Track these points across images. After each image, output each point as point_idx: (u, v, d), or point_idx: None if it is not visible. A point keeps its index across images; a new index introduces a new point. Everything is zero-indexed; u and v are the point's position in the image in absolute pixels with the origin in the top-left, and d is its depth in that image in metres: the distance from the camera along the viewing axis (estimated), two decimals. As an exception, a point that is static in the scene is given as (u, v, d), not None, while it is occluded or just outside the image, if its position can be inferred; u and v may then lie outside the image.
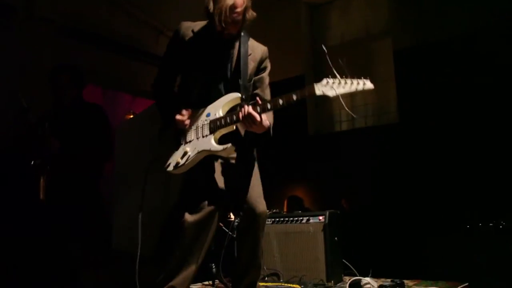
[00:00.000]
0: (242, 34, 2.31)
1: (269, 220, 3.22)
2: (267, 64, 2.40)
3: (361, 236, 4.06)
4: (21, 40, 3.98)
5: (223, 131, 2.20)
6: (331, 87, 2.06)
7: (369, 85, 2.03)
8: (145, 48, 5.13)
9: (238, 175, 2.29)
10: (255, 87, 2.35)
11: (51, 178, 3.20)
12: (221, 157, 2.30)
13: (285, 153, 5.03)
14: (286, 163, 5.10)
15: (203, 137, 2.22)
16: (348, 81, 2.06)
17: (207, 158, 2.25)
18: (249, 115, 2.07)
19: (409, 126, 4.54)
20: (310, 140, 5.28)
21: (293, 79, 5.25)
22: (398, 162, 4.51)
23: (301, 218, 3.16)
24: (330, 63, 2.05)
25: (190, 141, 2.26)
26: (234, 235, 2.86)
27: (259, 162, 2.42)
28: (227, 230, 2.98)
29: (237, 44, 2.31)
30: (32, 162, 3.19)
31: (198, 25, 2.37)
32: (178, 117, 2.25)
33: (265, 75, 2.41)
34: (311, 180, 5.06)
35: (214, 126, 2.20)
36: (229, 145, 2.14)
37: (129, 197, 5.23)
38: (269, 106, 2.08)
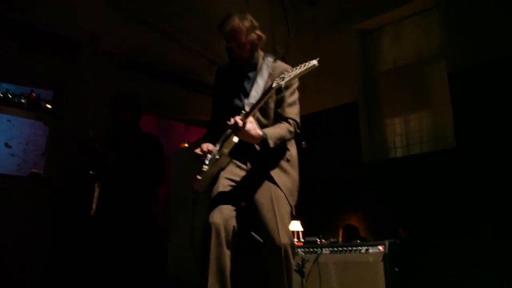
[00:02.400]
0: (267, 56, 2.51)
1: (327, 249, 3.19)
2: (288, 82, 2.38)
3: (421, 266, 3.92)
4: (86, 73, 4.23)
5: (227, 145, 2.32)
6: (282, 79, 2.14)
7: (313, 62, 2.06)
8: (199, 78, 5.29)
9: (256, 208, 2.36)
10: (277, 106, 2.44)
11: (105, 194, 3.36)
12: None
13: (339, 181, 4.98)
14: (340, 191, 5.04)
15: (214, 154, 2.40)
16: (297, 66, 2.11)
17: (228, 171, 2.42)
18: (234, 123, 2.20)
19: (467, 152, 4.38)
20: (365, 168, 5.20)
21: (346, 106, 5.23)
22: (455, 189, 4.35)
23: (360, 247, 3.11)
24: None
25: (209, 161, 2.42)
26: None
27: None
28: (258, 239, 2.93)
29: (258, 67, 2.49)
30: (90, 172, 3.40)
31: (226, 62, 2.61)
32: (196, 150, 2.48)
33: (287, 93, 2.44)
34: (366, 208, 4.96)
35: (222, 143, 2.37)
36: (223, 155, 2.32)
37: (184, 224, 5.33)
38: (249, 110, 2.24)
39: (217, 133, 2.48)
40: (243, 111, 2.26)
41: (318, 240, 3.69)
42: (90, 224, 3.37)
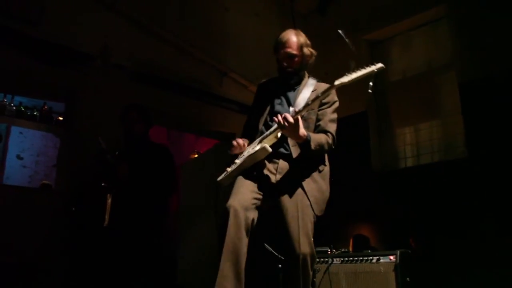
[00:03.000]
0: (309, 77, 2.68)
1: (337, 259, 3.18)
2: (331, 99, 2.60)
3: (433, 276, 3.88)
4: (97, 85, 4.29)
5: (267, 141, 2.41)
6: (346, 77, 2.25)
7: (379, 65, 2.25)
8: (210, 90, 5.33)
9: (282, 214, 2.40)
10: (318, 119, 2.56)
11: (118, 206, 3.38)
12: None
13: (349, 191, 4.96)
14: (350, 201, 5.01)
15: (252, 149, 2.45)
16: (362, 69, 2.26)
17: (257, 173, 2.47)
18: (284, 117, 2.28)
19: (479, 161, 4.35)
20: (375, 177, 5.17)
21: (356, 116, 5.23)
22: (467, 199, 4.31)
23: (371, 257, 3.09)
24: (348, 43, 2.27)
25: (242, 156, 2.49)
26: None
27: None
28: (276, 253, 2.93)
29: (303, 84, 2.65)
30: (102, 184, 3.42)
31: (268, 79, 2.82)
32: (233, 141, 2.56)
33: (329, 110, 2.59)
34: (377, 218, 4.93)
35: (262, 139, 2.47)
36: (264, 145, 2.35)
37: (193, 234, 5.33)
38: (302, 108, 2.35)
39: (253, 134, 2.62)
40: (294, 109, 2.34)
41: (329, 250, 3.67)
42: (103, 235, 3.39)
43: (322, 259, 3.44)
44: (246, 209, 2.31)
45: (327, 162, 2.61)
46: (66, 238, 3.80)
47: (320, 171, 2.54)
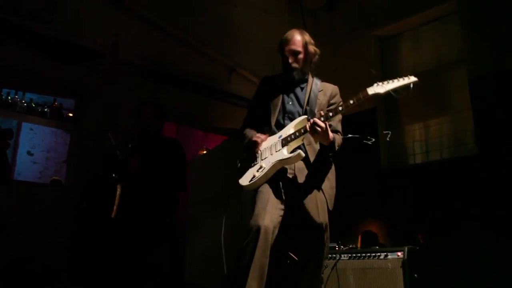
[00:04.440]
0: (314, 78, 2.76)
1: (345, 255, 3.19)
2: (338, 100, 2.74)
3: (441, 272, 3.87)
4: (107, 81, 4.32)
5: (293, 144, 2.49)
6: (381, 87, 2.35)
7: (413, 78, 2.30)
8: (218, 86, 5.33)
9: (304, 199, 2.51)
10: (330, 121, 2.57)
11: (127, 199, 3.40)
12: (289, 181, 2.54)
13: (358, 187, 4.95)
14: (359, 197, 5.01)
15: (276, 151, 2.51)
16: (395, 80, 2.34)
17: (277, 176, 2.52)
18: (314, 123, 2.38)
19: (488, 158, 4.32)
20: (384, 174, 5.16)
21: (365, 112, 5.21)
22: (476, 196, 4.29)
23: (379, 253, 3.09)
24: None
25: (265, 158, 2.55)
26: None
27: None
28: (294, 256, 2.96)
29: (309, 83, 2.74)
30: (113, 175, 3.45)
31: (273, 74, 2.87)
32: (256, 136, 2.62)
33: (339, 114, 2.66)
34: (385, 215, 4.91)
35: (285, 141, 2.52)
36: (298, 151, 2.43)
37: (202, 230, 5.36)
38: (331, 114, 2.43)
39: (260, 130, 2.70)
40: (320, 114, 2.43)
41: (337, 246, 3.67)
42: (110, 227, 3.41)
43: (330, 255, 3.45)
44: (275, 227, 2.40)
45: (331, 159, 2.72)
46: (76, 234, 3.83)
47: (330, 169, 2.67)
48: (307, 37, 2.71)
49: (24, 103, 4.83)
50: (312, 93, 2.66)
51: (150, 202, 3.42)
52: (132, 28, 4.57)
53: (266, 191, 2.49)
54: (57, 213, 3.87)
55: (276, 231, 2.40)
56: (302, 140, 2.50)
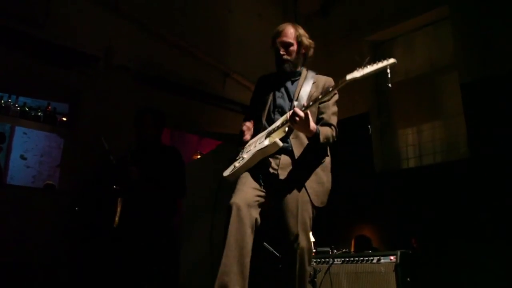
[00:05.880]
0: (308, 71, 2.69)
1: (338, 260, 3.19)
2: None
3: (434, 276, 3.89)
4: (101, 86, 4.32)
5: (275, 135, 2.40)
6: (357, 72, 2.23)
7: (391, 60, 2.21)
8: (212, 91, 5.34)
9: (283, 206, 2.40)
10: (321, 113, 2.58)
11: (128, 208, 3.40)
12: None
13: (351, 191, 4.97)
14: (353, 201, 5.03)
15: (259, 143, 2.44)
16: (373, 64, 2.23)
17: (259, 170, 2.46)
18: (294, 112, 2.29)
19: (481, 162, 4.36)
20: (377, 178, 5.18)
21: (358, 117, 5.24)
22: (469, 200, 4.32)
23: (372, 258, 3.10)
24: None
25: (249, 151, 2.48)
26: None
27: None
28: (272, 250, 2.94)
29: (302, 76, 2.67)
30: (114, 187, 3.43)
31: (268, 73, 2.81)
32: (243, 124, 2.62)
33: (330, 102, 2.61)
34: (379, 219, 4.94)
35: (269, 133, 2.45)
36: (275, 139, 2.34)
37: (196, 234, 5.35)
38: (311, 103, 2.34)
39: (255, 130, 2.63)
40: (304, 103, 2.35)
41: (330, 251, 3.69)
42: (111, 235, 3.40)
43: (323, 260, 3.46)
44: (249, 206, 2.31)
45: (329, 153, 2.62)
46: (70, 238, 3.82)
47: (321, 163, 2.55)
48: (301, 30, 2.67)
49: (18, 107, 4.80)
50: (304, 87, 2.60)
51: (150, 209, 3.42)
52: (126, 32, 4.57)
53: (245, 176, 2.46)
54: (51, 217, 3.85)
55: (254, 213, 2.30)
56: (285, 131, 2.40)
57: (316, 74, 2.70)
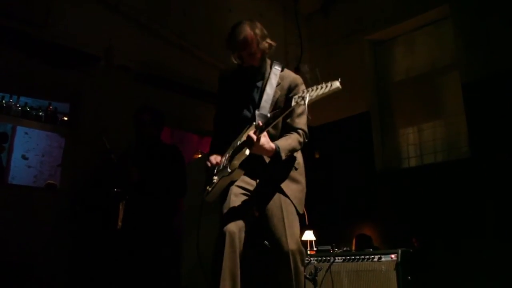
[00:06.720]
0: (274, 65, 2.47)
1: (339, 258, 3.20)
2: (296, 92, 2.31)
3: (434, 275, 3.89)
4: (102, 86, 4.33)
5: (238, 157, 2.26)
6: (303, 98, 1.98)
7: (335, 84, 1.92)
8: (213, 90, 5.32)
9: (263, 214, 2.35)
10: (287, 117, 2.31)
11: (130, 209, 3.40)
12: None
13: (352, 190, 4.98)
14: (354, 200, 5.03)
15: (224, 166, 2.34)
16: (319, 86, 1.96)
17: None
18: (248, 137, 2.15)
19: (482, 161, 4.36)
20: (378, 177, 5.19)
21: (359, 116, 5.24)
22: (470, 199, 4.32)
23: (373, 256, 3.11)
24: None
25: (218, 172, 2.39)
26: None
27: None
28: (267, 244, 2.92)
29: (265, 78, 2.45)
30: (115, 190, 3.43)
31: (234, 68, 2.54)
32: (208, 160, 2.44)
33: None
34: (380, 218, 4.94)
35: (232, 155, 2.31)
36: (236, 169, 2.23)
37: (196, 234, 5.35)
38: (261, 124, 2.15)
39: (223, 143, 2.48)
40: (256, 124, 2.19)
41: (331, 249, 3.69)
42: (113, 236, 3.40)
43: (324, 258, 3.46)
44: (241, 230, 2.27)
45: (298, 154, 2.48)
46: (71, 238, 3.83)
47: (296, 169, 2.44)
48: (259, 31, 2.38)
49: (19, 107, 4.82)
50: (266, 92, 2.39)
51: (150, 209, 3.42)
52: (127, 32, 4.58)
53: (229, 194, 2.37)
54: (52, 216, 3.86)
55: (243, 234, 2.27)
56: (245, 154, 2.23)
57: (282, 69, 2.47)
